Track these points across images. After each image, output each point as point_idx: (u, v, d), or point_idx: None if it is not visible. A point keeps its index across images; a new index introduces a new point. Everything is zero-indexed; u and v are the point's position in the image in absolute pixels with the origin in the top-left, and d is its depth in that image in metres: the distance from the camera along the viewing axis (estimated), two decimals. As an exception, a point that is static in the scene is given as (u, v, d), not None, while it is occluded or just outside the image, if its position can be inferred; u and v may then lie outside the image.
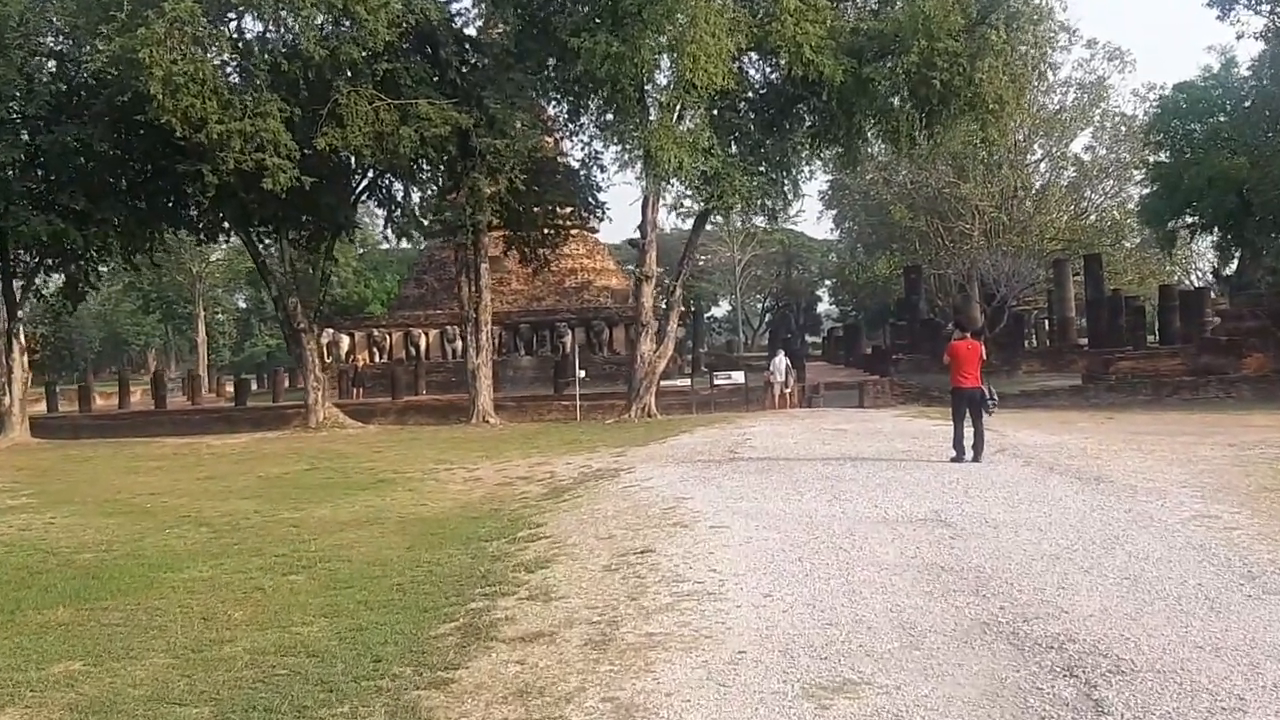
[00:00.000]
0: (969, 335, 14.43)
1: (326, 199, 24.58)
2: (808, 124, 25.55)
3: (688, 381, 28.21)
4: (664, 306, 26.06)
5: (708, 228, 75.98)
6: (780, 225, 72.86)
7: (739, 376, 27.91)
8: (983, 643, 5.77)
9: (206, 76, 20.19)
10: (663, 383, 27.38)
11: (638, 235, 24.93)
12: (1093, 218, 55.29)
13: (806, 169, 27.57)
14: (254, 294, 74.04)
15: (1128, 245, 55.28)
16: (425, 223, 25.13)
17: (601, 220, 28.36)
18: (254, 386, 47.67)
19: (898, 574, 7.42)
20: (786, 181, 25.85)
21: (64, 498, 15.96)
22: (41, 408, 38.25)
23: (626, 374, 26.19)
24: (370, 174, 25.56)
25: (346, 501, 14.06)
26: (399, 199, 25.50)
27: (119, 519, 13.64)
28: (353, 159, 23.38)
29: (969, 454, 13.21)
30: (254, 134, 20.72)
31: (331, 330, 43.35)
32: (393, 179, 25.33)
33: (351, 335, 42.47)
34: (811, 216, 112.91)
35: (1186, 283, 57.51)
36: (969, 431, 13.34)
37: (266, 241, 26.70)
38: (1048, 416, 21.03)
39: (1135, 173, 54.51)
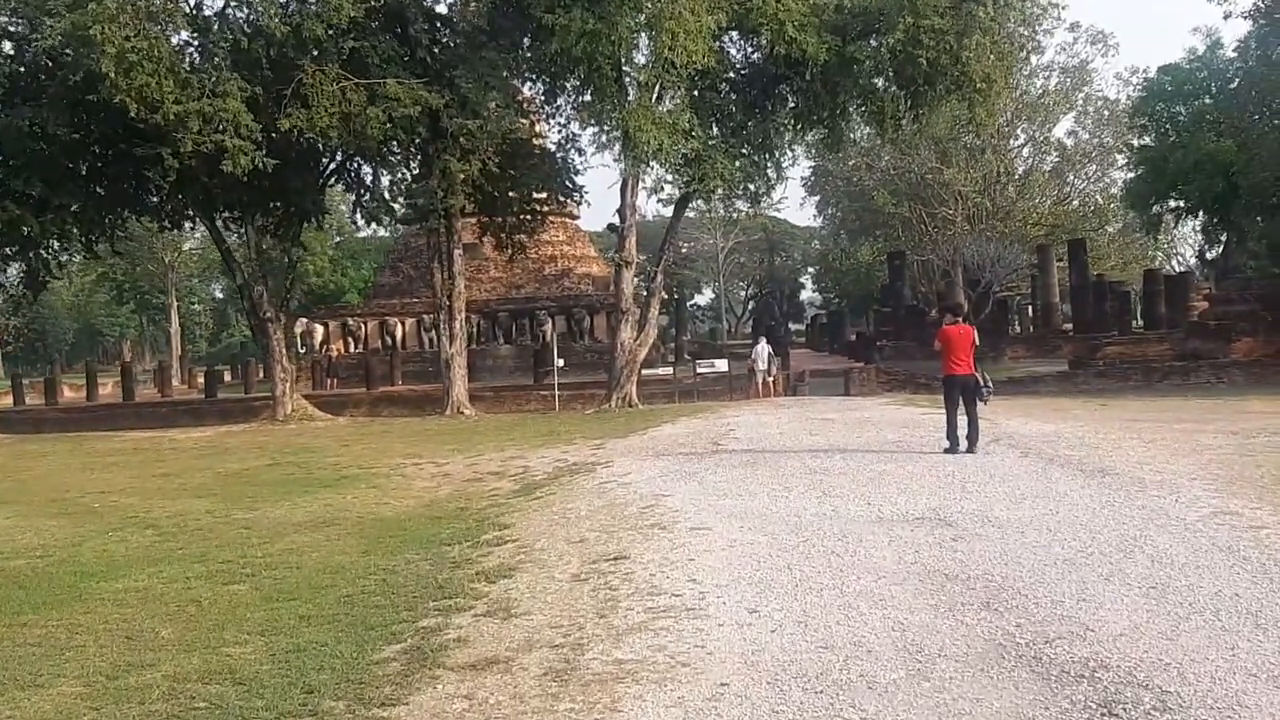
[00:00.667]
0: (960, 320, 13.63)
1: (293, 183, 23.63)
2: (791, 105, 24.73)
3: (670, 370, 27.41)
4: (645, 293, 25.24)
5: (690, 215, 75.15)
6: (763, 210, 72.12)
7: (722, 365, 27.14)
8: (1001, 670, 4.99)
9: (162, 54, 19.20)
10: (645, 371, 26.58)
11: (617, 220, 24.07)
12: (1076, 203, 54.75)
13: (790, 151, 26.75)
14: (229, 284, 72.79)
15: (1110, 230, 54.75)
16: (395, 207, 24.19)
17: (579, 204, 27.49)
18: (227, 378, 46.63)
19: (897, 583, 6.64)
20: (769, 164, 25.06)
21: (9, 497, 15.04)
22: (8, 400, 37.19)
23: (608, 363, 25.34)
24: (338, 157, 24.57)
25: (305, 500, 13.22)
26: (368, 183, 24.57)
27: (62, 520, 12.76)
28: (319, 141, 22.35)
29: (963, 444, 12.46)
30: (213, 114, 19.77)
31: (305, 320, 42.40)
32: (361, 162, 24.35)
33: (326, 325, 41.44)
34: (794, 203, 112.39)
35: (1170, 267, 57.09)
36: (962, 421, 12.59)
37: (232, 228, 25.67)
38: (1039, 404, 20.33)
39: (1119, 157, 54.03)
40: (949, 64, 22.61)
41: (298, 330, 41.87)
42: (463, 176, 22.71)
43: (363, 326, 41.33)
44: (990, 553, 7.31)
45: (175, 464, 18.25)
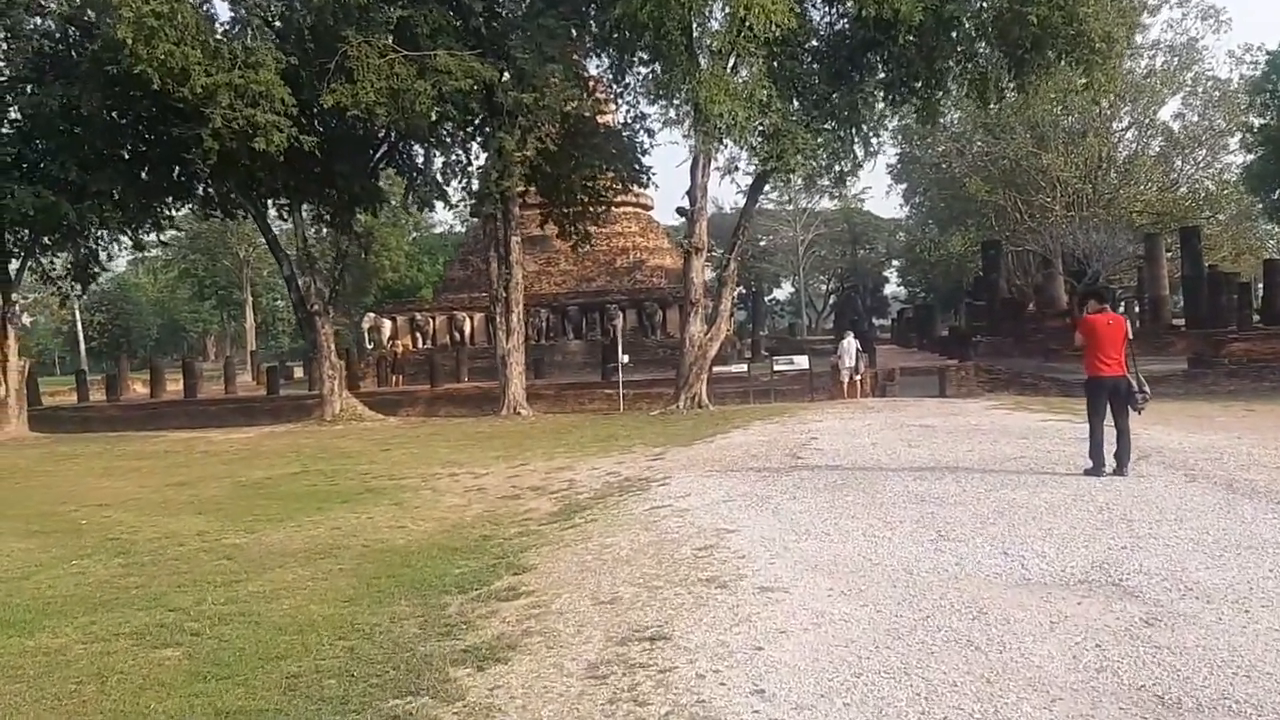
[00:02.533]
0: (1107, 307, 10.68)
1: (340, 167, 21.72)
2: (881, 74, 21.98)
3: (744, 367, 24.89)
4: (717, 284, 22.75)
5: (769, 206, 72.67)
6: (847, 193, 68.93)
7: (802, 361, 24.54)
8: None
9: (186, 20, 17.35)
10: (717, 369, 24.15)
11: (685, 203, 21.64)
12: (1183, 189, 50.68)
13: (879, 127, 23.91)
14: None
15: (1223, 218, 50.48)
16: (449, 192, 22.23)
17: (647, 186, 25.12)
18: (299, 374, 45.34)
19: (1084, 713, 4.16)
20: (856, 140, 22.33)
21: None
22: (74, 398, 36.27)
23: (677, 359, 22.93)
24: (390, 138, 22.54)
25: (314, 520, 11.14)
26: (420, 165, 22.50)
27: (34, 541, 10.90)
28: (366, 120, 20.34)
29: (1109, 464, 9.81)
30: (245, 88, 17.86)
31: (373, 315, 40.86)
32: (413, 143, 22.30)
33: (394, 320, 39.76)
34: (879, 193, 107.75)
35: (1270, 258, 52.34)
36: (1110, 434, 9.93)
37: (286, 216, 23.88)
38: (1171, 408, 17.36)
39: (1231, 140, 49.93)
40: (1062, 23, 19.72)
41: (365, 326, 40.40)
42: (519, 157, 20.50)
43: (431, 322, 39.56)
44: (1213, 651, 4.76)
45: (198, 470, 16.40)
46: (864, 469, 10.94)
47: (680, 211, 21.83)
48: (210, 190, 23.00)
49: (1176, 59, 48.66)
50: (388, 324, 39.24)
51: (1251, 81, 41.30)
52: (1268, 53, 39.37)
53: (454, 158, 21.76)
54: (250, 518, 11.57)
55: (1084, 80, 20.62)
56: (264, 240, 58.81)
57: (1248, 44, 57.13)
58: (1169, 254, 43.12)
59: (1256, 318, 42.35)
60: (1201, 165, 50.99)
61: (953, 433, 13.90)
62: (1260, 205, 43.48)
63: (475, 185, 21.72)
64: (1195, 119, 50.11)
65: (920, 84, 21.94)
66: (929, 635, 5.21)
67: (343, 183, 22.20)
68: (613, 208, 41.53)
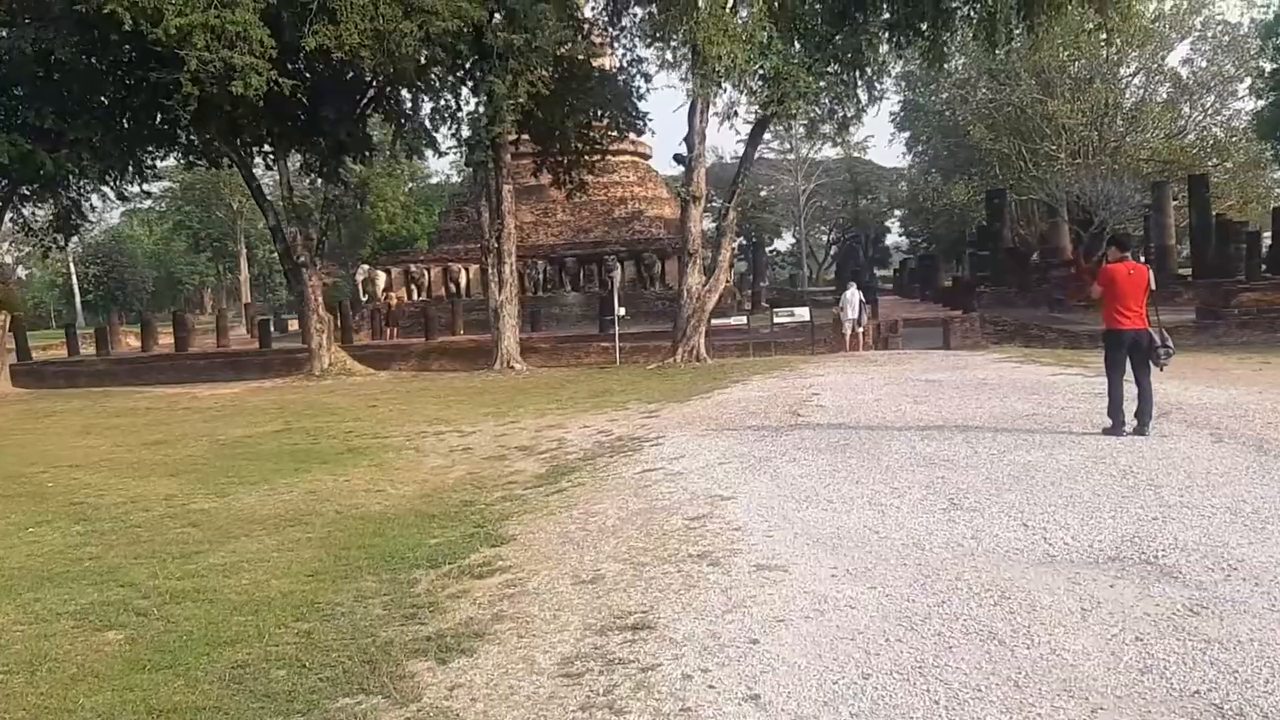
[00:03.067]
0: (1128, 256, 9.77)
1: (326, 113, 20.86)
2: (885, 14, 21.01)
3: (744, 319, 24.19)
4: (715, 234, 22.01)
5: (769, 155, 71.35)
6: (849, 141, 67.47)
7: (803, 313, 23.84)
8: None
9: (157, -45, 16.44)
10: (716, 321, 23.47)
11: (683, 150, 20.82)
12: (1191, 136, 49.52)
13: (883, 71, 22.91)
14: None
15: (1230, 166, 49.38)
16: (438, 138, 21.38)
17: (643, 133, 24.19)
18: (294, 326, 44.64)
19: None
20: (860, 84, 21.45)
21: (-36, 470, 12.72)
22: (63, 352, 35.60)
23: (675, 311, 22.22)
24: (376, 83, 21.63)
25: (290, 482, 10.59)
26: (407, 111, 21.58)
27: (-2, 506, 10.34)
28: (351, 64, 19.41)
29: (1129, 423, 9.19)
30: (221, 28, 16.99)
31: (367, 266, 40.10)
32: (401, 88, 21.39)
33: (388, 272, 38.96)
34: (881, 142, 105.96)
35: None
36: (1130, 391, 9.29)
37: (269, 164, 23.04)
38: (1186, 361, 16.64)
39: (1240, 86, 48.72)
40: (1075, -41, 18.82)
41: (359, 277, 39.62)
42: (511, 102, 19.64)
43: (426, 273, 38.74)
44: (1272, 647, 4.15)
45: (177, 428, 15.81)
46: (868, 428, 10.31)
47: (678, 159, 21.03)
48: (193, 138, 22.14)
49: (1185, 2, 47.30)
50: (382, 276, 38.47)
51: (1263, 25, 40.10)
52: (1282, -5, 38.06)
53: (443, 103, 20.90)
54: (223, 480, 11.01)
55: (1096, 20, 19.70)
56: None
57: (1259, -13, 55.57)
58: (1176, 203, 42.21)
59: (1264, 267, 41.64)
60: (1210, 112, 49.79)
61: (960, 387, 13.26)
62: (1270, 152, 42.43)
63: (465, 132, 20.87)
64: (1204, 64, 48.85)
65: (926, 25, 21.03)
66: (945, 625, 4.60)
67: (329, 129, 21.35)
68: (610, 156, 40.61)
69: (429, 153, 21.73)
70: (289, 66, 19.97)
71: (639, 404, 14.48)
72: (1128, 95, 48.48)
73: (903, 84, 52.02)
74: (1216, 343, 22.01)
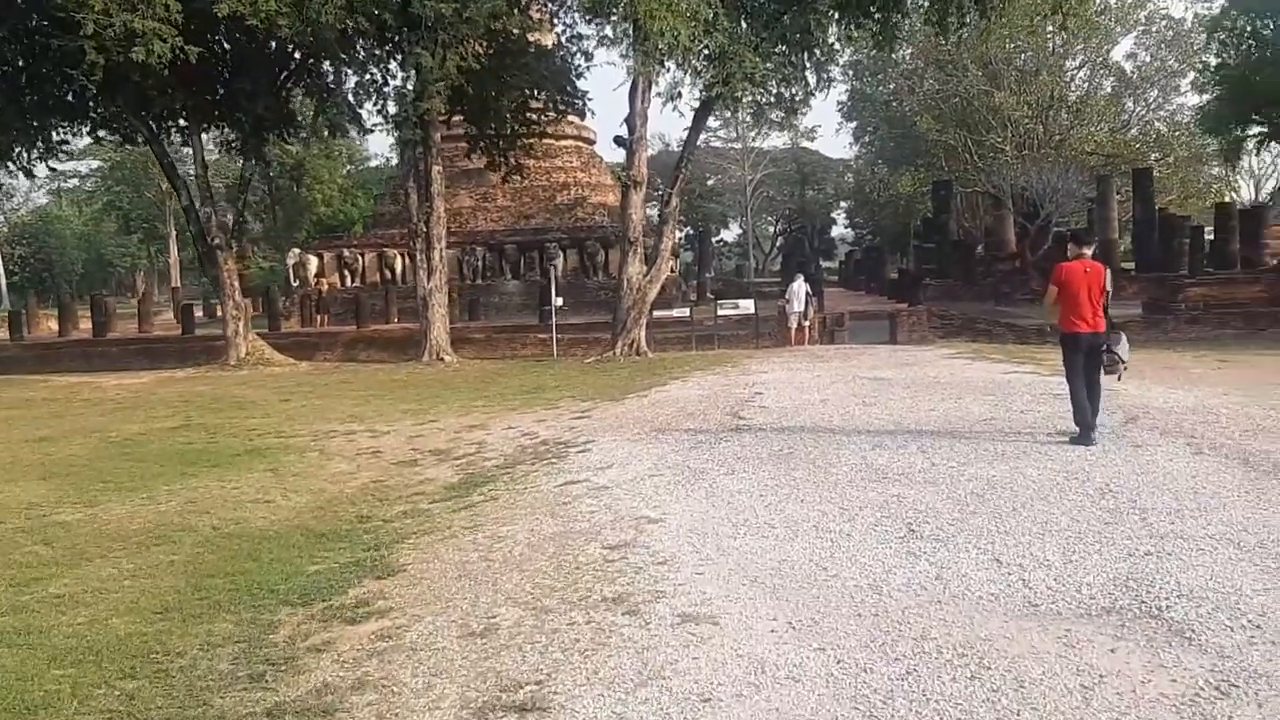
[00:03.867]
0: (1087, 253, 8.90)
1: (241, 86, 19.44)
2: (835, -7, 20.09)
3: (686, 311, 23.21)
4: (658, 221, 20.98)
5: (716, 144, 70.43)
6: (797, 130, 66.60)
7: (747, 305, 22.90)
8: None
9: (46, -93, 14.96)
10: (658, 313, 22.46)
11: (624, 131, 19.73)
12: (1134, 130, 49.49)
13: (832, 55, 22.00)
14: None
15: (1172, 160, 49.46)
16: (363, 115, 20.04)
17: (583, 114, 23.07)
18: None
19: None
20: (808, 65, 20.52)
21: None
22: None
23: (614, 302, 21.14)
24: (297, 55, 20.21)
25: (172, 489, 9.39)
26: (330, 85, 20.19)
27: None
28: (265, 33, 18.01)
29: (1098, 433, 8.37)
30: (121, -11, 15.58)
31: (298, 250, 38.51)
32: (323, 60, 20.01)
33: (320, 256, 37.35)
34: (829, 132, 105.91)
35: (1235, 201, 51.53)
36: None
37: (183, 140, 21.50)
38: (1141, 359, 15.97)
39: (1183, 81, 48.79)
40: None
41: (290, 261, 38.02)
42: (440, 76, 18.41)
43: (360, 258, 37.21)
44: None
45: (70, 423, 14.42)
46: (814, 433, 9.35)
47: (618, 141, 19.94)
48: (102, 111, 20.54)
49: (1130, -4, 47.18)
50: (314, 260, 36.86)
51: (1208, 20, 39.94)
52: (1226, -12, 37.88)
53: (369, 77, 19.58)
54: (99, 485, 9.77)
55: (1052, 5, 18.95)
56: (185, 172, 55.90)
57: (1201, -16, 55.80)
58: (1119, 196, 42.04)
59: (1206, 263, 41.61)
60: (1153, 106, 49.86)
61: (911, 387, 12.38)
62: (1214, 147, 42.41)
63: (393, 108, 19.59)
64: (1148, 59, 48.90)
65: (877, 6, 20.14)
66: (913, 710, 3.61)
67: (246, 104, 19.91)
68: (552, 140, 39.48)
69: (361, 133, 20.30)
70: (204, 35, 18.59)
71: (571, 402, 13.42)
72: (1072, 88, 48.27)
73: (850, 73, 51.43)
74: (1166, 338, 21.52)
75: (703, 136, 71.71)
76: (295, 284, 37.21)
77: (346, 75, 19.88)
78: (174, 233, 56.95)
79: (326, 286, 35.01)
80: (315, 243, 39.64)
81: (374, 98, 19.72)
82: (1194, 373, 14.35)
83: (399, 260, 36.46)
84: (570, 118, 39.25)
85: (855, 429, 9.46)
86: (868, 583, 5.04)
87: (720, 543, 5.90)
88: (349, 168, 62.58)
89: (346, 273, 37.25)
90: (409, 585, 5.82)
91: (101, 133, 21.71)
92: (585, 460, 8.99)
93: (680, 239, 61.34)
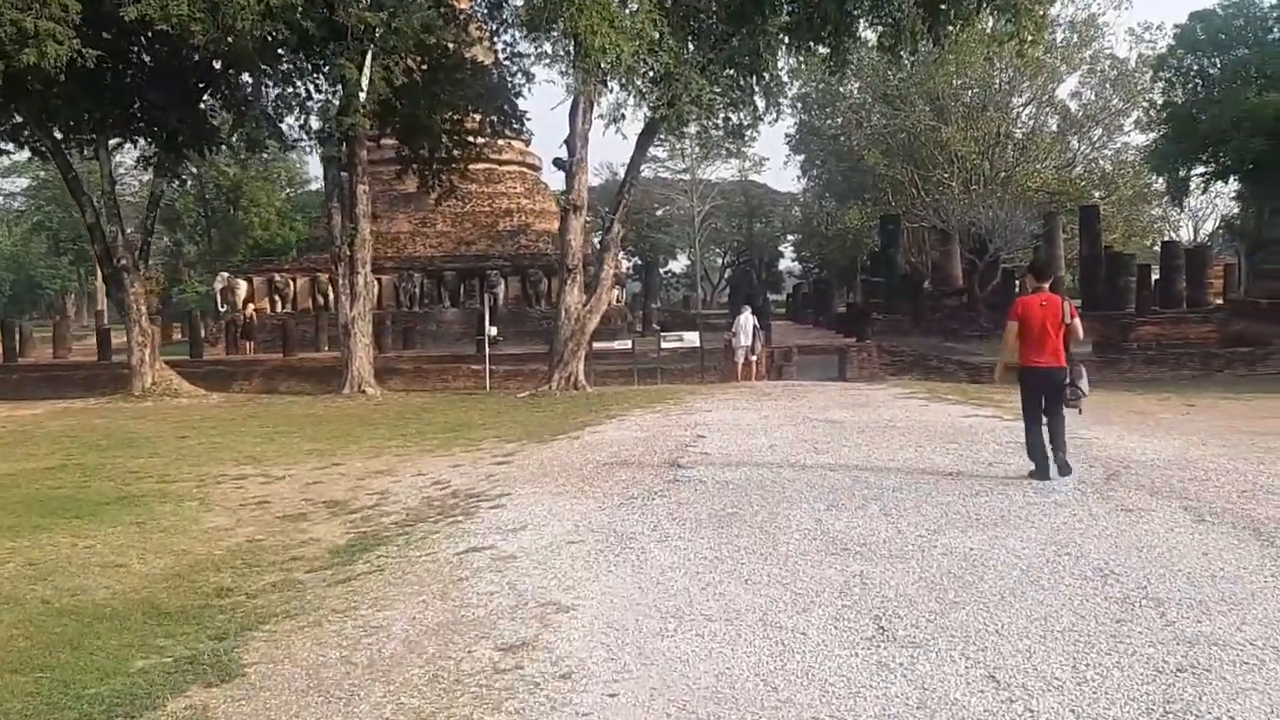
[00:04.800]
0: (1045, 286, 8.60)
1: (152, 96, 18.00)
2: (785, 16, 19.18)
3: (629, 343, 22.02)
4: (599, 248, 19.83)
5: (664, 175, 69.67)
6: (745, 160, 66.04)
7: (692, 338, 21.82)
8: None
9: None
10: (599, 345, 21.29)
11: (564, 153, 18.56)
12: (1079, 169, 49.56)
13: (779, 87, 21.09)
14: (176, 236, 66.96)
15: (1116, 199, 49.54)
16: (283, 129, 18.60)
17: (520, 133, 21.95)
18: (175, 337, 40.75)
19: None
20: (757, 89, 19.55)
21: None
22: None
23: (550, 333, 19.86)
24: (214, 65, 18.78)
25: (14, 546, 8.02)
26: (248, 98, 18.76)
27: None
28: (180, 39, 16.57)
29: (1053, 467, 8.14)
30: (11, -15, 14.13)
31: (226, 275, 36.74)
32: (241, 71, 18.59)
33: (250, 280, 35.69)
34: (777, 165, 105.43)
35: (1177, 239, 51.73)
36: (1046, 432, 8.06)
37: (103, 154, 19.85)
38: (1102, 401, 15.12)
39: (1127, 121, 48.99)
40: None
41: (218, 286, 36.25)
42: (367, 89, 17.13)
43: (291, 283, 35.63)
44: None
45: (-68, 462, 12.81)
46: (761, 488, 8.17)
47: (558, 164, 18.77)
48: (3, 121, 18.86)
49: (1076, 35, 47.26)
50: (243, 284, 35.20)
51: (1154, 59, 40.02)
52: (1175, 26, 37.91)
53: (290, 90, 18.23)
54: (-71, 543, 8.27)
55: (1010, 29, 18.19)
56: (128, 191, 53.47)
57: (1148, 22, 56.22)
58: (1064, 234, 41.82)
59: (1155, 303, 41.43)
60: (1098, 145, 50.00)
61: (865, 431, 11.27)
62: (1159, 185, 42.42)
63: (315, 123, 18.27)
64: (1092, 97, 49.01)
65: (829, 28, 19.26)
66: None
67: (159, 116, 18.45)
68: (498, 166, 38.35)
69: (282, 149, 18.91)
70: (113, 42, 17.18)
71: (495, 443, 12.13)
72: (1019, 125, 48.22)
73: (798, 106, 50.95)
74: (1122, 378, 20.77)
75: (650, 167, 71.09)
76: (223, 309, 35.47)
77: (267, 88, 18.51)
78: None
79: (254, 312, 33.35)
80: (246, 266, 37.85)
81: (296, 111, 18.39)
82: (1162, 418, 13.44)
83: (331, 286, 34.93)
84: (514, 143, 38.24)
85: (807, 483, 8.29)
86: (830, 713, 3.82)
87: (644, 644, 4.66)
88: (288, 191, 60.89)
89: (277, 298, 35.64)
90: (243, 699, 4.51)
91: (5, 145, 20.00)
92: (496, 519, 7.71)
93: (628, 269, 60.39)
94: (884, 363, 21.77)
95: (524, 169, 38.82)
